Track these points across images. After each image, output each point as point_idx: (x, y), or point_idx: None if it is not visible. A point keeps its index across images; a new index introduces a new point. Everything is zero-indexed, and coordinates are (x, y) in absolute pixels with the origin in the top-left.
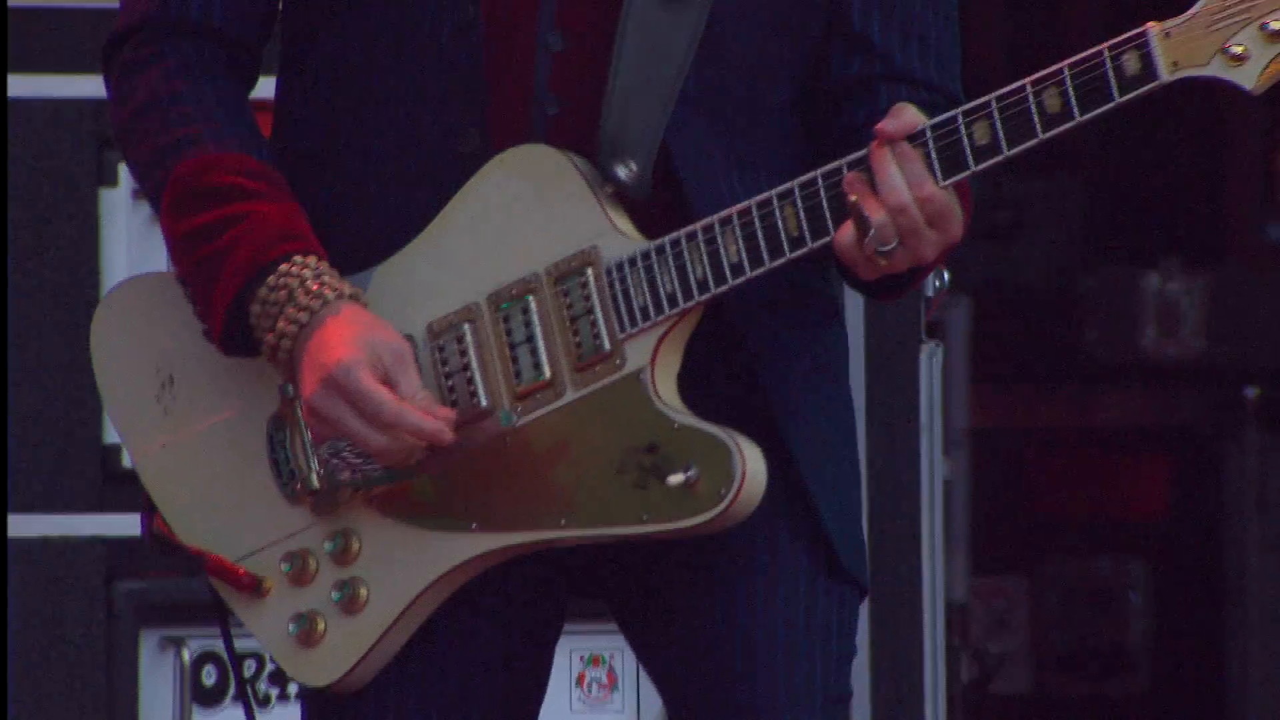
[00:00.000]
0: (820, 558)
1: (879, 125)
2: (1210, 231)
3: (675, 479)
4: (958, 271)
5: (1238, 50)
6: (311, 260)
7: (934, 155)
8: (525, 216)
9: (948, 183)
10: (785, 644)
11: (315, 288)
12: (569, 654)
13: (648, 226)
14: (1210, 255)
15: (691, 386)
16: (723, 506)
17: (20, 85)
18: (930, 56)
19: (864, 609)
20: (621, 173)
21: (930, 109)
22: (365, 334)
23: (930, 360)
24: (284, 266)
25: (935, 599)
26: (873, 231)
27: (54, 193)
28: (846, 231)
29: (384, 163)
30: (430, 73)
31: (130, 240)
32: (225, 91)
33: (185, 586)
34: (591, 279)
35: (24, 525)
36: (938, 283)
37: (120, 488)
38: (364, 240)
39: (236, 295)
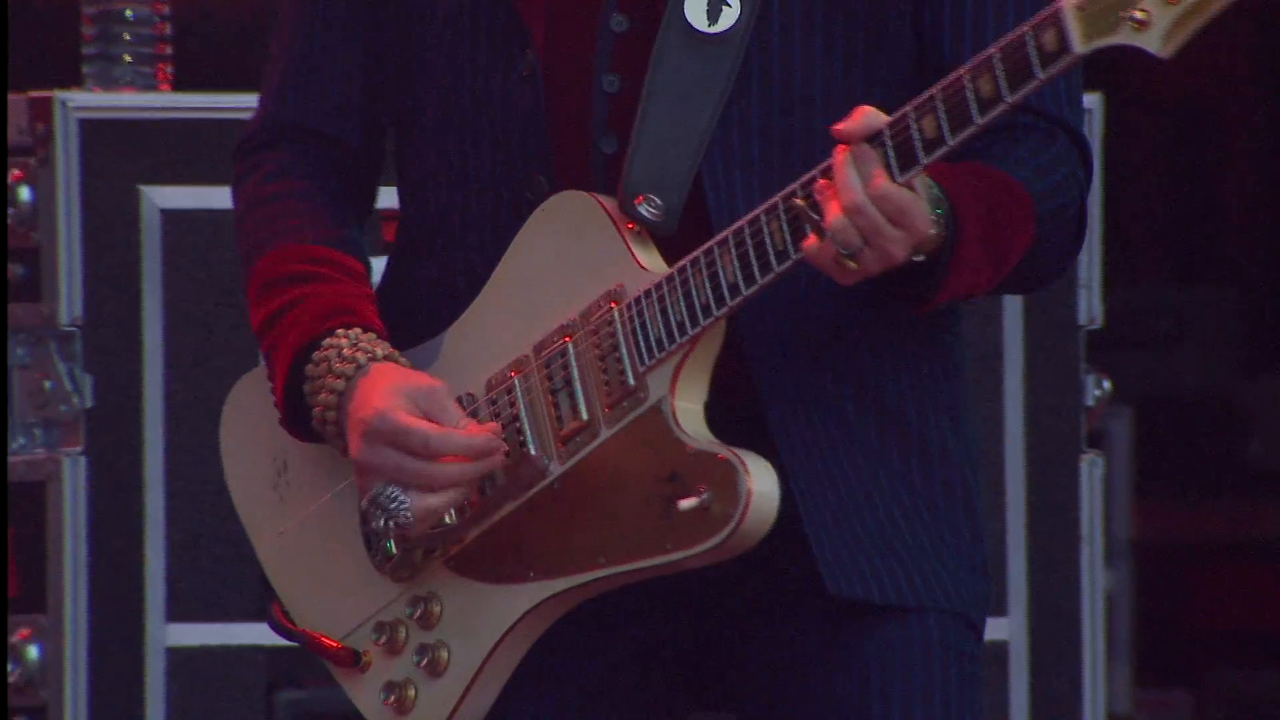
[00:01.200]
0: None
1: (835, 127)
2: None
3: (687, 503)
4: (1119, 381)
5: (1140, 15)
6: (353, 332)
7: (891, 153)
8: (562, 263)
9: (904, 179)
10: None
11: (349, 354)
12: None
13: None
14: None
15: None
16: (730, 528)
17: (178, 197)
18: None
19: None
20: (645, 210)
21: (1034, 134)
22: (396, 382)
23: (1091, 470)
24: (326, 341)
25: (1097, 710)
26: (829, 234)
27: (213, 306)
28: (811, 239)
29: (468, 226)
30: (499, 128)
31: None
32: (314, 187)
33: (346, 696)
34: (616, 316)
35: (185, 634)
36: (1098, 392)
37: None
38: (459, 305)
39: (288, 377)
